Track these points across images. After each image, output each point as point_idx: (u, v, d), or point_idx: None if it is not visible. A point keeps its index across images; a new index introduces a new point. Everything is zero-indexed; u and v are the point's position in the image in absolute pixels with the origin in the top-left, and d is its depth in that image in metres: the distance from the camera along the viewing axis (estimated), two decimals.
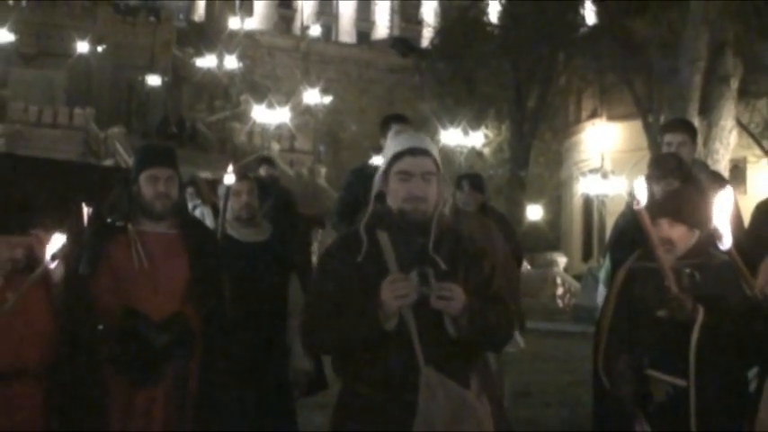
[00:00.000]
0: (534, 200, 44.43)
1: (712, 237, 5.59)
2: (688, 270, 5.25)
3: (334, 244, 4.73)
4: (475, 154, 47.95)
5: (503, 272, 5.81)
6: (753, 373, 5.77)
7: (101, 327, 5.61)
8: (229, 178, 7.21)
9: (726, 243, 4.75)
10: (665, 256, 5.16)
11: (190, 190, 13.36)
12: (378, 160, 7.31)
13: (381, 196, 4.62)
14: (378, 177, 4.65)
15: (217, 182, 7.55)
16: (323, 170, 52.65)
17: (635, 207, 5.03)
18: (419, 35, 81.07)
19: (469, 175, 10.47)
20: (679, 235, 5.47)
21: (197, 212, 12.27)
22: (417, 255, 4.39)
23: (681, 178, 6.84)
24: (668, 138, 7.82)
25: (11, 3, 63.76)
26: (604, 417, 5.91)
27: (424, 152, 4.55)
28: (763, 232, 6.19)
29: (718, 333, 5.26)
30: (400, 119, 8.30)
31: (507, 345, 4.83)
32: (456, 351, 4.42)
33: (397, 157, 4.55)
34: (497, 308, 4.50)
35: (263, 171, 12.54)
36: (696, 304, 5.21)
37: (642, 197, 4.96)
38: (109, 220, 5.97)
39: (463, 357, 4.49)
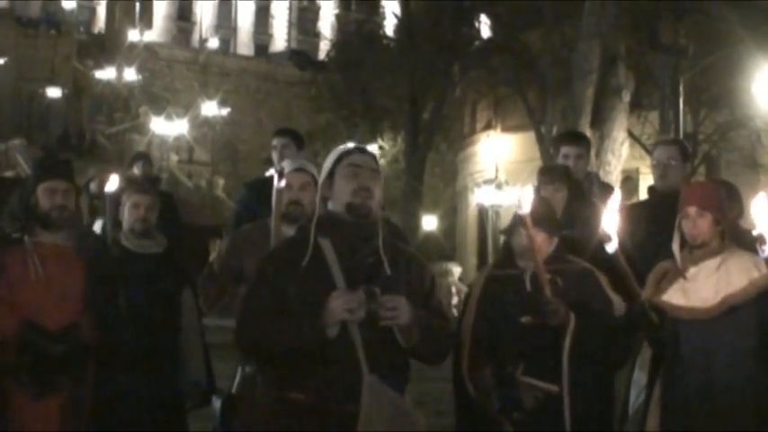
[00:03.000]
0: (430, 210, 44.41)
1: (569, 243, 5.82)
2: (549, 276, 5.37)
3: (277, 249, 4.72)
4: None
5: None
6: (641, 385, 5.99)
7: None
8: (112, 185, 6.93)
9: (612, 246, 4.98)
10: (539, 262, 5.33)
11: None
12: (271, 172, 7.37)
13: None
14: (321, 182, 4.61)
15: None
16: (221, 181, 52.61)
17: (518, 213, 5.22)
18: (316, 48, 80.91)
19: None
20: (540, 241, 5.52)
21: None
22: (366, 257, 4.39)
23: (568, 185, 6.86)
24: (565, 150, 7.77)
25: None
26: (468, 425, 6.03)
27: (370, 154, 4.63)
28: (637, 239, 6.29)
29: (588, 338, 5.41)
30: (287, 133, 8.22)
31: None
32: (397, 363, 4.44)
33: (344, 155, 4.56)
34: (441, 322, 4.55)
35: (137, 169, 11.04)
36: (568, 310, 5.40)
37: (526, 204, 5.15)
38: (6, 231, 5.98)
39: (402, 370, 4.52)
